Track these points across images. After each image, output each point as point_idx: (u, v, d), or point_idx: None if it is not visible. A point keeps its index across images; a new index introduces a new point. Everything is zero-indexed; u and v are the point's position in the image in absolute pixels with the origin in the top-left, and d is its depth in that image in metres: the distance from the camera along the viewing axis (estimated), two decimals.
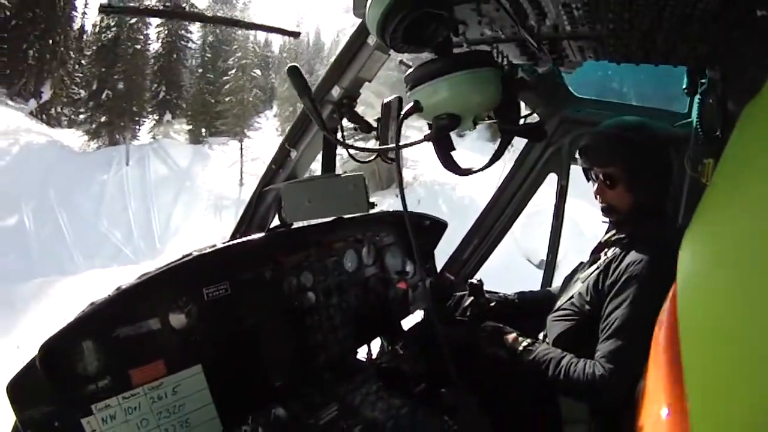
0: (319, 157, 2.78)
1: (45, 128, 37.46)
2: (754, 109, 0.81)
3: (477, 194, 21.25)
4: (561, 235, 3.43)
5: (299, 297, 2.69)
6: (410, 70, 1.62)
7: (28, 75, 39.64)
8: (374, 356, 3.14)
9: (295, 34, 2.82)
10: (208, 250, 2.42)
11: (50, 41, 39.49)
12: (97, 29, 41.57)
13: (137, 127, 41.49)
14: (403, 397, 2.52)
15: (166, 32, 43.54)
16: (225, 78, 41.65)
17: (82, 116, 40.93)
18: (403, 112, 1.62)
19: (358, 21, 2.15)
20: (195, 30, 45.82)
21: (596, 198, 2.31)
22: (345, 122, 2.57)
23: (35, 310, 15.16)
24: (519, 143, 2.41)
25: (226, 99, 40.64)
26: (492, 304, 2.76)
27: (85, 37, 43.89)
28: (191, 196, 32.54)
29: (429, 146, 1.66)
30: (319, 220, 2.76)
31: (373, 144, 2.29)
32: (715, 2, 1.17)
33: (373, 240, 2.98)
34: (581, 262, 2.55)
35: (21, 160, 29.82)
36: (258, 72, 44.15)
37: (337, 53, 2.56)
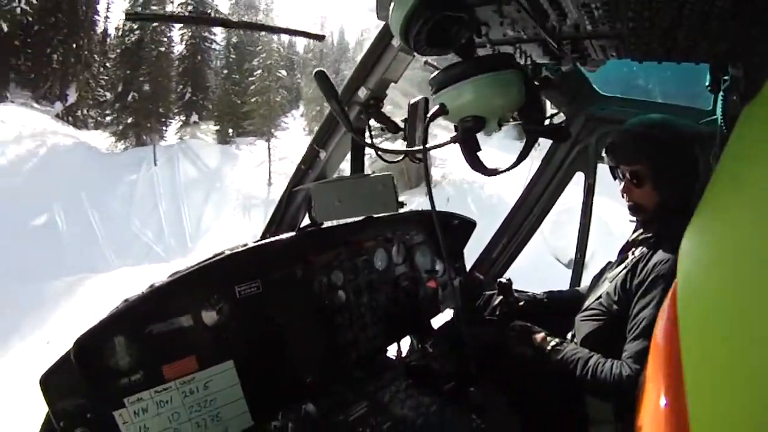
0: (348, 157, 2.82)
1: (71, 130, 38.00)
2: (755, 108, 0.82)
3: (505, 193, 21.16)
4: (589, 234, 3.42)
5: (330, 295, 2.72)
6: (435, 73, 1.67)
7: (53, 78, 40.38)
8: (404, 354, 3.16)
9: (320, 37, 2.87)
10: (241, 249, 2.47)
11: (74, 45, 40.29)
12: (120, 33, 42.24)
13: (164, 128, 42.02)
14: (432, 395, 2.54)
15: (189, 34, 44.05)
16: (251, 79, 42.00)
17: (108, 118, 41.53)
18: (429, 115, 1.67)
19: (382, 21, 2.19)
20: (218, 32, 46.43)
21: (623, 196, 2.32)
22: (372, 122, 2.59)
23: (65, 307, 15.35)
24: (546, 142, 2.43)
25: (252, 99, 40.98)
26: (521, 303, 2.76)
27: (108, 40, 44.70)
28: (220, 195, 32.78)
29: (457, 145, 1.71)
30: (349, 220, 2.80)
31: (400, 143, 2.33)
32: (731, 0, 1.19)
33: (403, 239, 3.00)
34: (609, 262, 2.56)
35: (48, 162, 30.23)
36: (283, 72, 44.37)
37: (362, 55, 2.60)
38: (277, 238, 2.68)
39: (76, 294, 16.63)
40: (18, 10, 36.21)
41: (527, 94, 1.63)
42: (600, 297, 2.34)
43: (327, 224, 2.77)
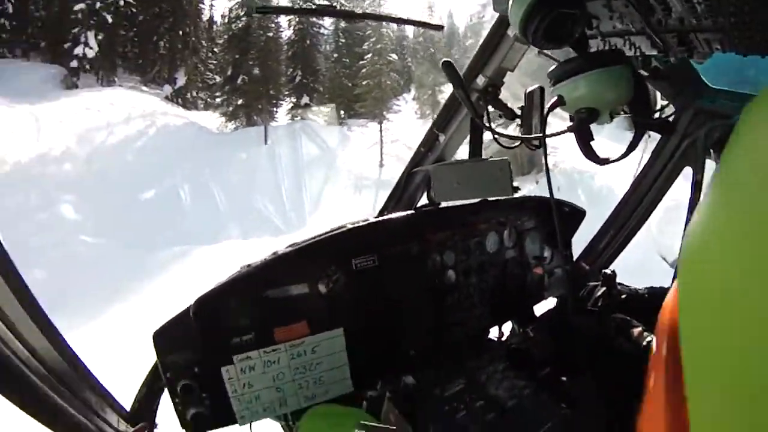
0: (466, 141, 2.89)
1: (181, 111, 39.44)
2: (756, 107, 0.82)
3: (615, 184, 20.73)
4: None
5: (441, 274, 2.80)
6: (552, 67, 1.81)
7: (161, 63, 42.33)
8: (505, 337, 3.21)
9: (439, 27, 2.96)
10: (361, 224, 2.60)
11: (180, 33, 41.94)
12: (226, 20, 43.46)
13: (275, 109, 42.83)
14: (527, 380, 2.59)
15: (297, 20, 44.64)
16: (361, 62, 42.30)
17: (218, 99, 42.71)
18: (548, 105, 1.83)
19: (490, 5, 2.30)
20: (326, 18, 46.81)
21: None
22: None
23: (166, 276, 16.11)
24: (656, 134, 2.46)
25: (364, 82, 41.20)
26: (623, 296, 2.76)
27: (215, 27, 46.06)
28: (332, 175, 33.26)
29: (569, 135, 1.84)
30: (465, 201, 2.86)
31: (511, 130, 2.43)
32: None
33: (515, 224, 3.01)
34: None
35: (159, 140, 31.50)
36: (394, 56, 44.40)
37: (479, 43, 2.71)
38: (396, 215, 2.79)
39: (180, 264, 17.34)
40: (122, 2, 38.11)
41: (636, 87, 1.75)
42: None
43: (444, 204, 2.85)
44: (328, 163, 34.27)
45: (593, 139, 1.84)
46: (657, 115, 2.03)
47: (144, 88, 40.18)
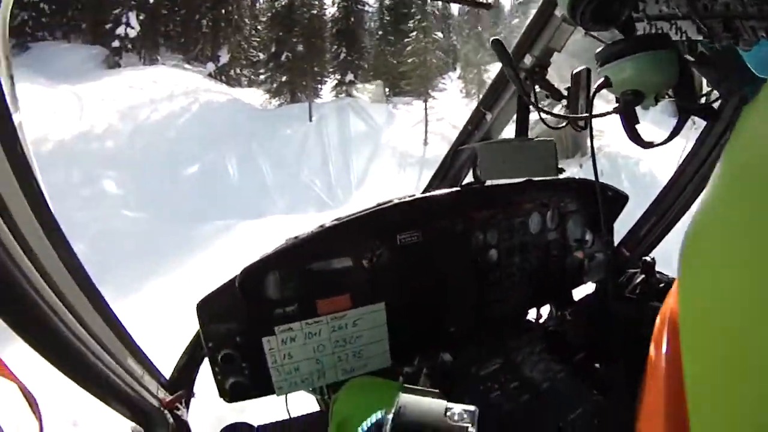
0: (512, 121, 2.89)
1: (224, 88, 39.51)
2: (757, 105, 0.81)
3: (659, 171, 20.38)
4: None
5: (483, 252, 2.82)
6: (600, 48, 1.84)
7: (204, 42, 42.62)
8: (543, 319, 3.26)
9: (487, 6, 2.97)
10: (407, 199, 2.64)
11: (222, 11, 42.19)
12: None
13: (319, 86, 42.94)
14: (562, 363, 2.63)
15: None
16: (406, 40, 41.95)
17: (262, 76, 42.95)
18: (595, 86, 1.87)
19: None
20: None
21: None
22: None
23: (210, 249, 16.28)
24: (702, 121, 2.44)
25: (409, 60, 40.96)
26: (661, 285, 2.76)
27: (257, 5, 46.28)
28: (376, 152, 33.19)
29: (614, 118, 1.87)
30: (510, 181, 2.89)
31: (560, 111, 2.44)
32: None
33: (558, 205, 3.01)
34: None
35: (202, 116, 31.69)
36: (439, 34, 44.26)
37: (526, 22, 2.72)
38: (441, 191, 2.82)
39: (222, 238, 17.52)
40: None
41: (681, 72, 1.77)
42: None
43: (489, 183, 2.88)
44: (374, 140, 34.23)
45: (638, 122, 1.87)
46: (703, 101, 2.04)
47: (187, 66, 40.50)
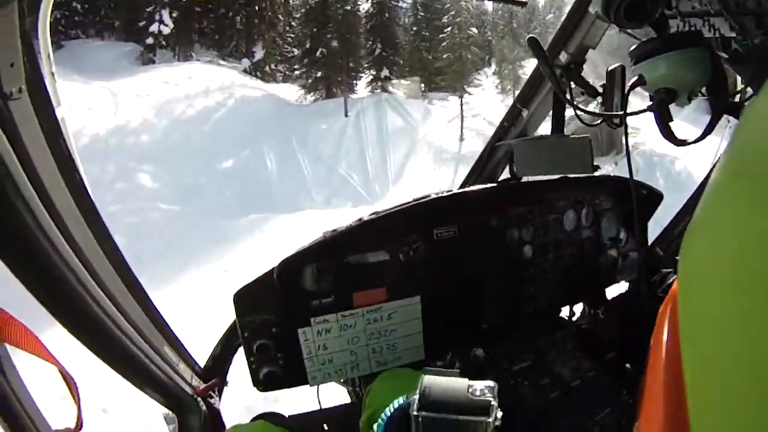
0: (548, 118, 2.93)
1: (259, 83, 39.64)
2: (759, 103, 0.81)
3: (695, 170, 20.25)
4: None
5: (518, 248, 2.82)
6: (633, 47, 1.87)
7: (238, 38, 42.98)
8: (575, 317, 3.25)
9: (522, 4, 2.99)
10: (444, 194, 2.66)
11: (256, 7, 42.43)
12: None
13: (354, 81, 43.08)
14: (592, 362, 2.64)
15: None
16: (441, 36, 41.94)
17: (297, 72, 43.10)
18: (630, 84, 1.90)
19: None
20: None
21: None
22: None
23: (245, 242, 16.44)
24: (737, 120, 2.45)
25: (444, 56, 40.85)
26: None
27: (291, 1, 46.25)
28: (412, 147, 33.12)
29: (650, 115, 1.90)
30: (546, 177, 2.90)
31: (594, 108, 2.46)
32: None
33: (593, 203, 2.99)
34: None
35: (238, 111, 31.90)
36: (474, 30, 44.03)
37: (561, 19, 2.77)
38: (478, 187, 2.85)
39: (257, 232, 17.61)
40: None
41: (714, 69, 1.80)
42: None
43: (525, 179, 2.91)
44: (411, 136, 34.16)
45: (672, 120, 1.89)
46: (737, 99, 2.05)
47: (221, 62, 40.79)
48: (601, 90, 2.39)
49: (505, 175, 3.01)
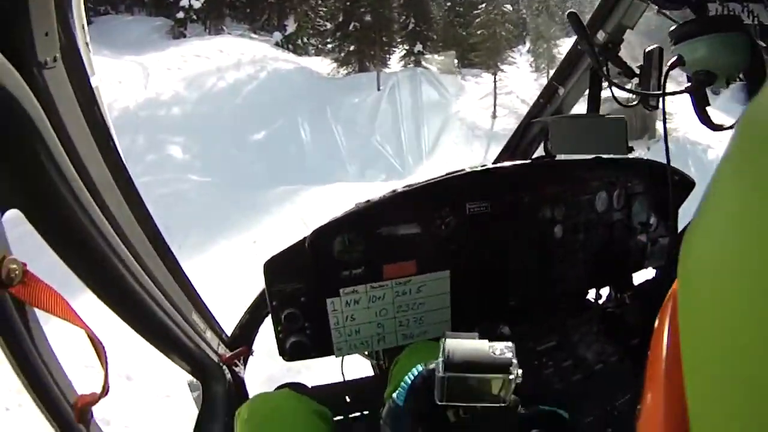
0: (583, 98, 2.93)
1: (292, 56, 39.42)
2: (760, 102, 0.76)
3: None
4: None
5: (549, 227, 2.81)
6: (673, 27, 1.86)
7: (270, 11, 42.59)
8: (601, 301, 3.25)
9: None
10: (479, 169, 2.66)
11: None
12: None
13: (387, 56, 42.53)
14: (616, 346, 2.66)
15: None
16: (475, 12, 41.41)
17: (329, 46, 42.68)
18: (669, 64, 1.90)
19: None
20: None
21: None
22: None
23: (275, 214, 16.54)
24: None
25: (478, 32, 40.25)
26: None
27: None
28: (444, 123, 32.96)
29: (685, 102, 1.90)
30: (580, 156, 2.90)
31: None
32: None
33: (626, 185, 2.96)
34: None
35: (270, 84, 31.72)
36: (509, 7, 43.46)
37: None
38: (512, 163, 2.84)
39: (290, 203, 17.71)
40: None
41: (753, 56, 1.79)
42: None
43: (559, 158, 2.89)
44: (445, 111, 34.00)
45: (708, 104, 1.89)
46: None
47: (253, 35, 40.56)
48: (637, 71, 2.38)
49: (539, 152, 2.99)
